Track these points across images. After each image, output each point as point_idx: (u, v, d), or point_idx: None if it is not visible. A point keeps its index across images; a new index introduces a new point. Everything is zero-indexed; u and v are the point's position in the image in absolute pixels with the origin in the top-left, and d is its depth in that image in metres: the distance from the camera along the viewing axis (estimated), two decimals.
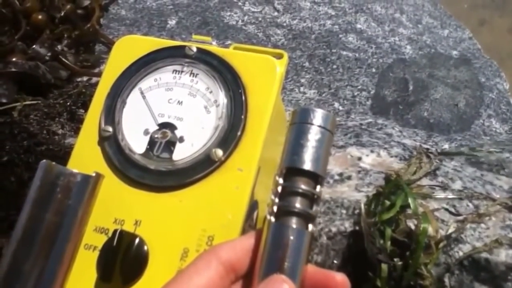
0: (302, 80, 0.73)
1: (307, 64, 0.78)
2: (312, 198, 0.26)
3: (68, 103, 0.53)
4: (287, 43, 0.85)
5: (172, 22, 0.90)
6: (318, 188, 0.27)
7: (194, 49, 0.36)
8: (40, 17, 0.67)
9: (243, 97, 0.34)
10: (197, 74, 0.36)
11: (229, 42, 0.84)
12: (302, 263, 0.25)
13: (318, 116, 0.27)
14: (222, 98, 0.34)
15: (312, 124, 0.27)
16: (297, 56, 0.80)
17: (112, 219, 0.33)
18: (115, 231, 0.31)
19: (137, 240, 0.31)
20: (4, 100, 0.54)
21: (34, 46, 0.63)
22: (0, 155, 0.46)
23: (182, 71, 0.36)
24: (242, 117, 0.34)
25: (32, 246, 0.24)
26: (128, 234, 0.31)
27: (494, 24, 1.75)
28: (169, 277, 0.31)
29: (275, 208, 0.26)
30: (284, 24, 0.90)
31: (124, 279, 0.31)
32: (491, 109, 0.72)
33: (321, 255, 0.41)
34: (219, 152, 0.33)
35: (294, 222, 0.26)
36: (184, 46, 0.36)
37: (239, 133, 0.33)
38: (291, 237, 0.25)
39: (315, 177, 0.27)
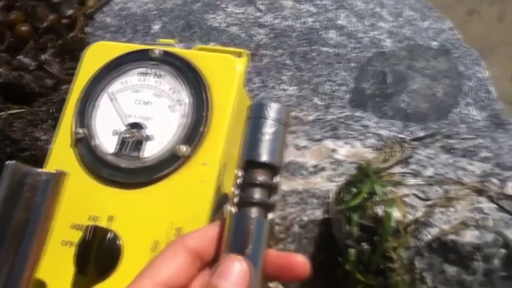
0: (283, 78, 0.75)
1: (288, 61, 0.80)
2: (270, 188, 0.28)
3: (51, 110, 0.55)
4: (269, 42, 0.86)
5: (156, 27, 0.91)
6: (275, 178, 0.28)
7: (158, 52, 0.38)
8: (24, 28, 0.69)
9: (205, 95, 0.36)
10: (161, 75, 0.37)
11: (212, 43, 0.86)
12: (263, 249, 0.27)
13: (272, 110, 0.29)
14: (185, 97, 0.36)
15: (266, 118, 0.28)
16: (278, 54, 0.82)
17: (87, 216, 0.35)
18: (88, 226, 0.33)
19: (110, 235, 0.33)
20: None
21: (18, 56, 0.65)
22: None
23: (147, 73, 0.38)
24: (204, 114, 0.35)
25: (2, 242, 0.26)
26: (101, 229, 0.33)
27: (483, 13, 1.75)
28: (141, 268, 0.33)
29: (236, 199, 0.28)
30: (267, 24, 0.92)
31: (99, 272, 0.33)
32: (469, 97, 0.73)
33: (294, 244, 0.43)
34: (184, 148, 0.34)
35: (253, 212, 0.27)
36: (148, 50, 0.38)
37: (202, 129, 0.35)
38: (251, 226, 0.27)
39: (272, 168, 0.28)
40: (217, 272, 0.26)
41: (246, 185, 0.28)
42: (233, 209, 0.28)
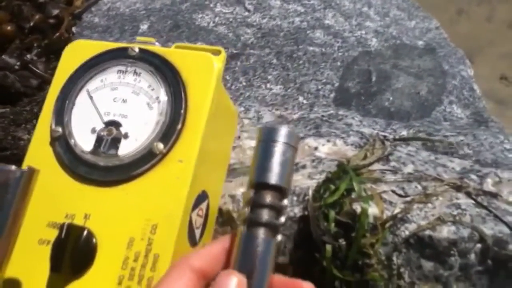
0: (269, 77, 0.75)
1: (274, 61, 0.80)
2: (278, 210, 0.29)
3: (35, 110, 0.55)
4: (256, 42, 0.87)
5: (144, 27, 0.92)
6: (284, 200, 0.30)
7: (137, 50, 0.38)
8: (9, 28, 0.69)
9: (183, 93, 0.36)
10: (140, 73, 0.38)
11: (199, 43, 0.86)
12: (269, 268, 0.29)
13: (282, 134, 0.30)
14: (163, 94, 0.36)
15: (276, 141, 0.30)
16: (265, 54, 0.82)
17: (64, 214, 0.35)
18: (63, 224, 0.33)
19: (85, 232, 0.33)
20: None
21: (3, 56, 0.65)
22: None
23: (126, 71, 0.38)
24: (182, 111, 0.35)
25: None
26: (76, 227, 0.33)
27: (472, 13, 1.77)
28: (117, 266, 0.33)
29: (245, 219, 0.29)
30: (254, 23, 0.92)
31: (75, 269, 0.33)
32: (453, 95, 0.74)
33: None
34: (160, 146, 0.35)
35: (262, 232, 0.29)
36: (127, 48, 0.38)
37: (179, 127, 0.35)
38: (259, 247, 0.28)
39: (281, 191, 0.29)
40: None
41: (256, 206, 0.29)
42: (244, 228, 0.29)
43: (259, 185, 0.29)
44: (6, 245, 0.26)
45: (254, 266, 0.28)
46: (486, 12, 1.77)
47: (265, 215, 0.29)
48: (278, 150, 0.29)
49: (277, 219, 0.29)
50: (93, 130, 0.37)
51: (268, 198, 0.29)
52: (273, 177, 0.29)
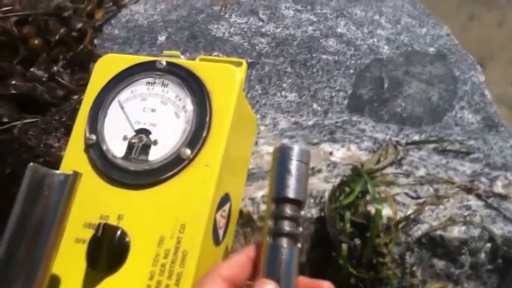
0: (284, 85, 0.78)
1: (289, 69, 0.83)
2: (298, 220, 0.33)
3: (64, 119, 0.58)
4: (271, 51, 0.89)
5: (162, 38, 0.95)
6: (302, 212, 0.34)
7: (164, 63, 0.41)
8: (36, 41, 0.73)
9: (208, 102, 0.39)
10: (167, 85, 0.40)
11: (215, 53, 0.89)
12: (294, 273, 0.32)
13: (296, 153, 0.34)
14: (189, 104, 0.39)
15: (291, 159, 0.34)
16: (280, 62, 0.85)
17: (99, 215, 0.37)
18: (99, 224, 0.36)
19: (119, 232, 0.36)
20: (5, 120, 0.59)
21: (31, 69, 0.68)
22: (4, 168, 0.52)
23: (154, 83, 0.41)
24: (207, 119, 0.38)
25: (23, 237, 0.29)
26: (111, 226, 0.36)
27: (483, 18, 1.78)
28: (148, 262, 0.36)
29: (270, 231, 0.33)
30: (268, 33, 0.95)
31: (109, 266, 0.35)
32: (464, 101, 0.76)
33: None
34: (188, 151, 0.37)
35: (285, 242, 0.32)
36: (155, 61, 0.41)
37: (204, 134, 0.38)
38: (283, 255, 0.32)
39: (299, 203, 0.33)
40: None
41: (278, 218, 0.33)
42: (269, 239, 0.33)
43: (279, 199, 0.33)
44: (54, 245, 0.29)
45: (282, 272, 0.31)
46: (498, 17, 1.78)
47: (287, 226, 0.32)
48: (293, 167, 0.33)
49: (297, 228, 0.33)
50: (125, 138, 0.39)
51: (288, 210, 0.33)
52: (291, 192, 0.33)
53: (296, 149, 0.34)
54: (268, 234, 0.33)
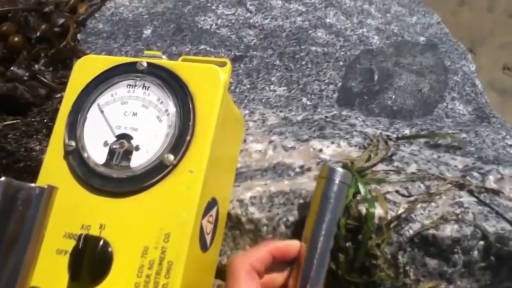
0: (273, 79, 0.76)
1: (277, 62, 0.81)
2: None
3: (45, 120, 0.57)
4: (259, 43, 0.88)
5: (147, 32, 0.93)
6: None
7: (145, 64, 0.39)
8: (16, 39, 0.71)
9: (191, 105, 0.37)
10: (148, 87, 0.39)
11: (202, 47, 0.87)
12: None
13: (340, 174, 0.42)
14: (171, 107, 0.38)
15: (335, 180, 0.42)
16: (268, 55, 0.83)
17: (80, 225, 0.36)
18: (80, 235, 0.34)
19: (101, 242, 0.35)
20: None
21: (11, 68, 0.66)
22: None
23: (135, 85, 0.39)
24: (190, 123, 0.37)
25: None
26: (92, 237, 0.35)
27: (473, 3, 1.77)
28: (132, 273, 0.35)
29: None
30: (256, 25, 0.93)
31: (92, 278, 0.34)
32: (455, 91, 0.75)
33: None
34: (171, 157, 0.36)
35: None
36: (135, 62, 0.40)
37: (188, 138, 0.36)
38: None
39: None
40: None
41: None
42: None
43: None
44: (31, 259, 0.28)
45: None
46: (488, 2, 1.76)
47: None
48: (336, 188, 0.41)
49: None
50: (105, 143, 0.38)
51: None
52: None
53: (339, 171, 0.42)
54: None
